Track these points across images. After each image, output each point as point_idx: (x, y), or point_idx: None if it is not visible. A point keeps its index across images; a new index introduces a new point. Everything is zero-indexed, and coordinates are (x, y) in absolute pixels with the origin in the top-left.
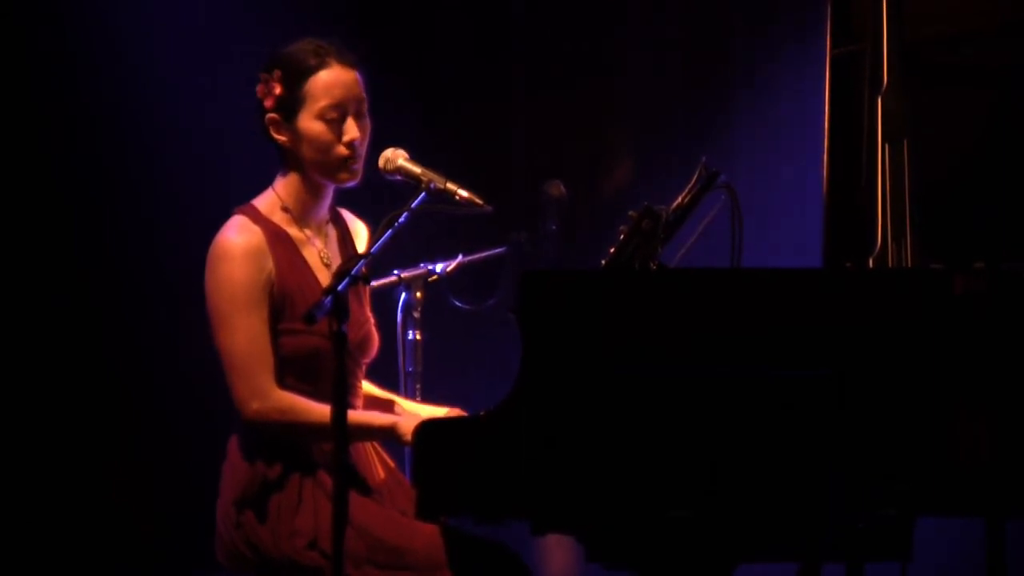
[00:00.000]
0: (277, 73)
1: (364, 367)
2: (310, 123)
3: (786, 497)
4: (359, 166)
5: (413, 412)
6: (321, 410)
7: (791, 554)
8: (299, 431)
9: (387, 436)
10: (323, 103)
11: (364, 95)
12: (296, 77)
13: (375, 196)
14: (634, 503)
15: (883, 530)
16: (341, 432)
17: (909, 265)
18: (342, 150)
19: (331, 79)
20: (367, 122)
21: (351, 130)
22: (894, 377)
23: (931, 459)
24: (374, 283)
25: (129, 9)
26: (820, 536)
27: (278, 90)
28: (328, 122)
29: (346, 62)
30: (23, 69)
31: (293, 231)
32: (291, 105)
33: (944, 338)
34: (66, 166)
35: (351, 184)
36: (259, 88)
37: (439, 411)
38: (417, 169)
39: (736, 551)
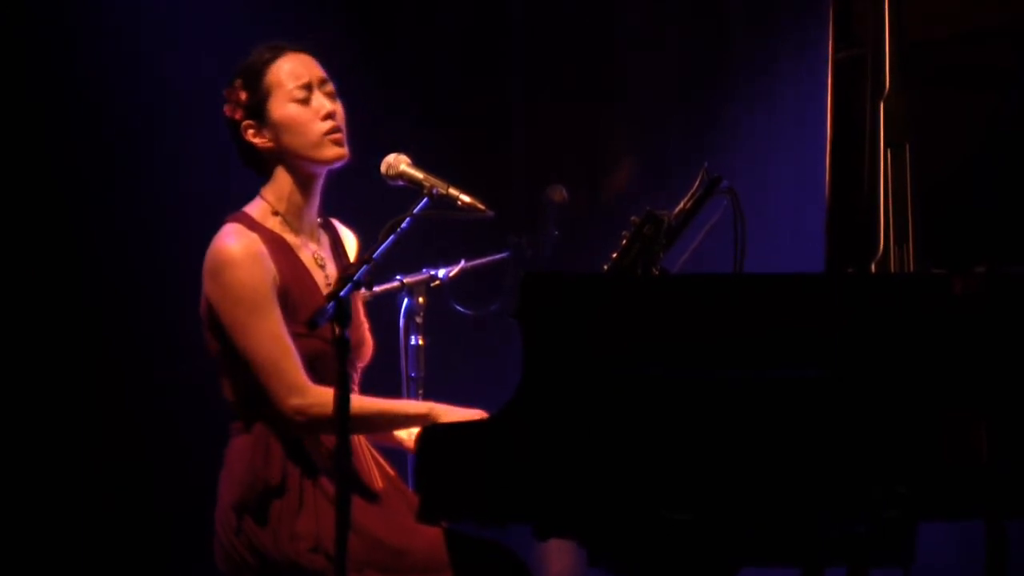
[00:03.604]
0: (238, 82)
1: (360, 372)
2: (282, 110)
3: (789, 500)
4: (343, 138)
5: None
6: (359, 402)
7: (793, 558)
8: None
9: (423, 423)
10: (288, 86)
11: (326, 76)
12: (255, 75)
13: (376, 200)
14: (636, 506)
15: (885, 535)
16: (343, 435)
17: (911, 269)
18: (321, 125)
19: (289, 63)
20: (339, 103)
21: (323, 103)
22: (895, 380)
23: (932, 462)
24: (377, 288)
25: (130, 9)
26: (822, 540)
27: (243, 96)
28: (299, 102)
29: (299, 49)
30: (23, 69)
31: (288, 236)
32: (259, 103)
33: (945, 341)
34: (66, 166)
35: (340, 162)
36: (226, 108)
37: (473, 413)
38: (419, 174)
39: (738, 555)
